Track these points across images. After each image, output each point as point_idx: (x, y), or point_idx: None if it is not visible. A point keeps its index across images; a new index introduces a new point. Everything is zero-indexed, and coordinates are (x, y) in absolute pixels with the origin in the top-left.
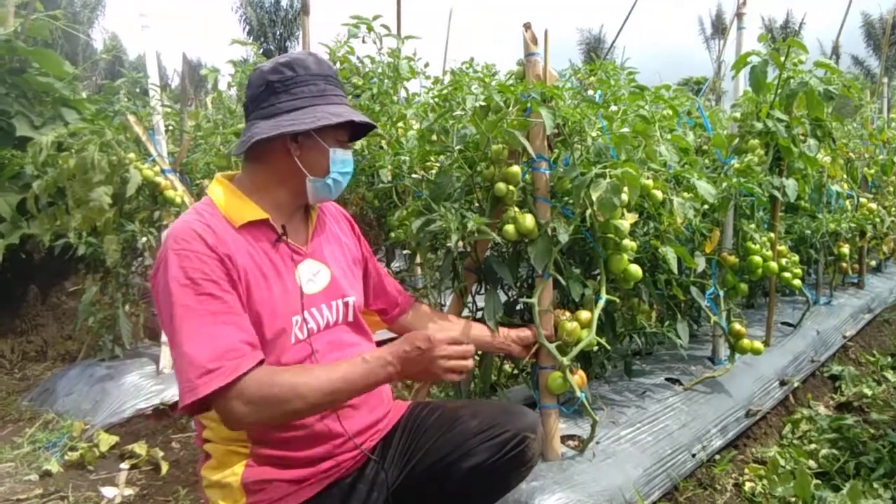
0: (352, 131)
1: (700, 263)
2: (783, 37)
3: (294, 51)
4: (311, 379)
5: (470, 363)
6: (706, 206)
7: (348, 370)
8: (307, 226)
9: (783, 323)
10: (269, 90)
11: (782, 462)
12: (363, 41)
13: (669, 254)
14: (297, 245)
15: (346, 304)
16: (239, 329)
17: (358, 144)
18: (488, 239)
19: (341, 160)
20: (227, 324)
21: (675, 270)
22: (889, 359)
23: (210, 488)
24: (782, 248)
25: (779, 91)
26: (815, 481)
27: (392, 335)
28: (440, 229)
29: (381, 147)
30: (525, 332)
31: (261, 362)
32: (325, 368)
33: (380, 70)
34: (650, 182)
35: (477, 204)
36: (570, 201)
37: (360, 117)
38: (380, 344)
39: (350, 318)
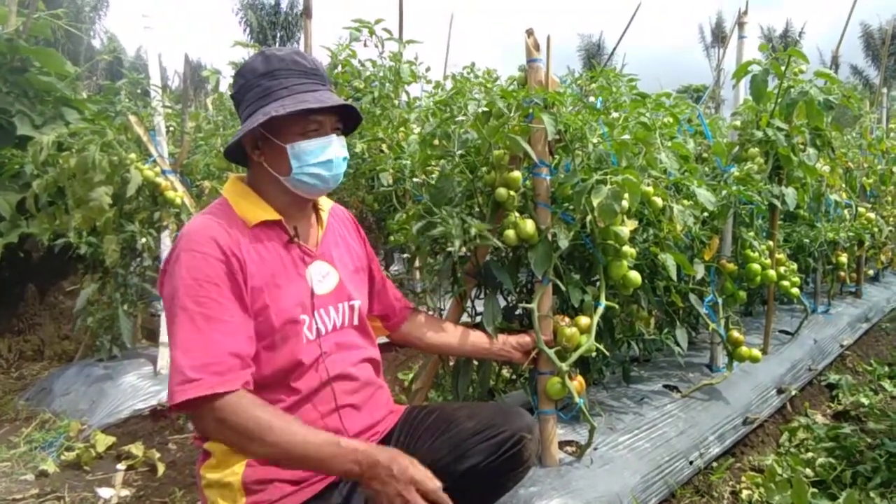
0: (343, 118)
1: (699, 271)
2: (783, 46)
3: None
4: (286, 433)
5: None
6: (706, 214)
7: (322, 444)
8: (317, 227)
9: (781, 331)
10: (235, 104)
11: (779, 470)
12: (365, 45)
13: (669, 261)
14: (308, 247)
15: (351, 308)
16: (232, 338)
17: (358, 148)
18: (489, 244)
19: (306, 151)
20: (220, 332)
21: (675, 277)
22: (886, 368)
23: (209, 488)
24: (781, 256)
25: (779, 100)
26: (811, 490)
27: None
28: (442, 234)
29: (382, 151)
30: (525, 339)
31: (247, 383)
32: (304, 428)
33: (381, 74)
34: (650, 189)
35: (477, 209)
36: (571, 207)
37: (296, 107)
38: (382, 350)
39: (356, 322)
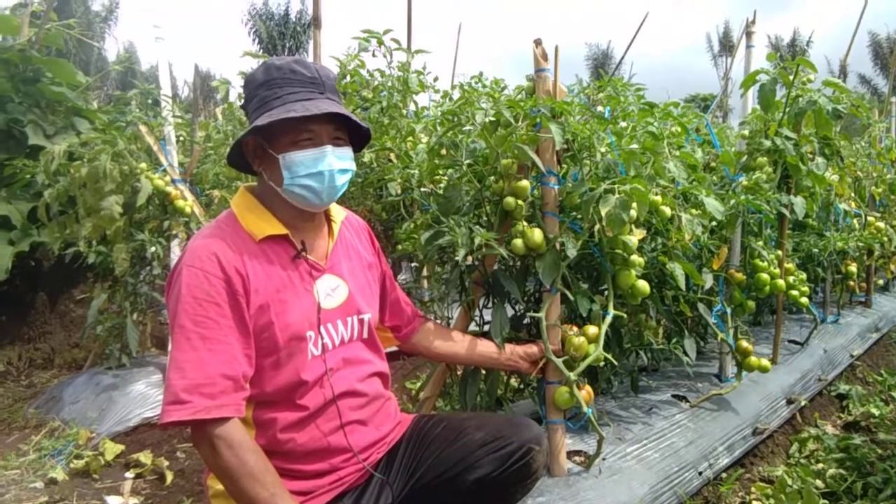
0: (352, 130)
1: (707, 280)
2: (790, 55)
3: None
4: (262, 486)
5: None
6: (714, 223)
7: None
8: (328, 239)
9: (790, 341)
10: (245, 115)
11: (789, 481)
12: (373, 55)
13: (677, 270)
14: (316, 259)
15: (360, 321)
16: (227, 359)
17: (367, 157)
18: (496, 253)
19: (297, 162)
20: (215, 352)
21: (683, 287)
22: None
23: (216, 498)
24: (790, 265)
25: (787, 109)
26: (822, 501)
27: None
28: (448, 243)
29: (390, 160)
30: (532, 349)
31: (238, 408)
32: (279, 490)
33: (389, 83)
34: (658, 198)
35: (485, 218)
36: (579, 216)
37: (279, 116)
38: (389, 358)
39: (365, 335)
